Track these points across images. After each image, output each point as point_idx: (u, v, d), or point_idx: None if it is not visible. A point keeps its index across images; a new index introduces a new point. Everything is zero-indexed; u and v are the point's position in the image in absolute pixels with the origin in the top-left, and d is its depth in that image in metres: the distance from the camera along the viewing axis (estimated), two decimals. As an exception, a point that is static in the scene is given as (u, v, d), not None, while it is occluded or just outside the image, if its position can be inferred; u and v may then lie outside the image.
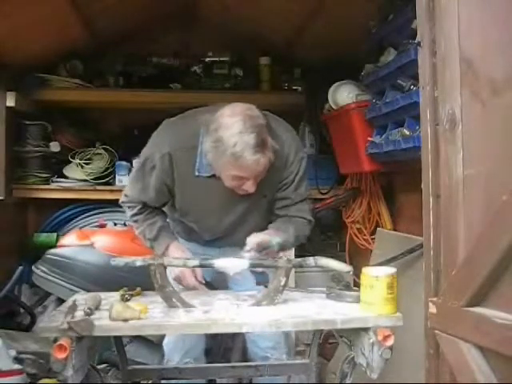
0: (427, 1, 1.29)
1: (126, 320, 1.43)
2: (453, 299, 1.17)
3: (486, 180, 1.13)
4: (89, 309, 1.46)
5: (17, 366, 2.03)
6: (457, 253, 1.21)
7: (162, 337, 2.18)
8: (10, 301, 2.79)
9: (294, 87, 3.61)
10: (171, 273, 1.83)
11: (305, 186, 1.96)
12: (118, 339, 1.93)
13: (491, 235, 1.06)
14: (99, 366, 2.03)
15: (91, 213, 3.57)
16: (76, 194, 3.45)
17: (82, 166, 3.42)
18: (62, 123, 3.54)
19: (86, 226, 3.49)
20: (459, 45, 1.18)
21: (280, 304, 1.61)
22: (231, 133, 1.64)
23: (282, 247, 1.81)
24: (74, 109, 3.61)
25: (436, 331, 1.25)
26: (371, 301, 1.47)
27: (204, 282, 1.89)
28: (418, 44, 1.34)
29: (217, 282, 2.00)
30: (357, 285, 1.64)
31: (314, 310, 1.56)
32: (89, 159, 3.46)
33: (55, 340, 1.37)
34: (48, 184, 3.42)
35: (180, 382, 2.05)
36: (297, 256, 1.97)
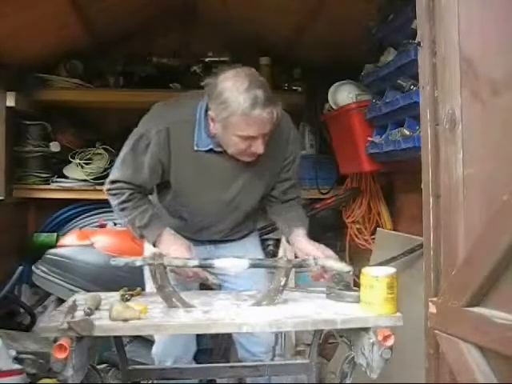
0: (427, 1, 1.29)
1: (126, 320, 1.43)
2: (453, 299, 1.17)
3: (486, 180, 1.13)
4: (89, 309, 1.46)
5: (17, 366, 2.03)
6: (457, 253, 1.21)
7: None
8: (9, 301, 2.79)
9: (294, 87, 3.60)
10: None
11: (300, 165, 2.01)
12: (118, 339, 1.93)
13: (491, 235, 1.06)
14: (99, 366, 2.02)
15: (91, 213, 3.57)
16: (76, 194, 3.45)
17: (82, 166, 3.42)
18: (62, 123, 3.53)
19: (86, 226, 3.49)
20: (459, 45, 1.18)
21: (280, 304, 1.61)
22: (238, 91, 1.64)
23: None
24: (74, 109, 3.60)
25: (436, 331, 1.25)
26: (371, 301, 1.47)
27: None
28: (418, 44, 1.34)
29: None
30: (357, 285, 1.64)
31: (313, 309, 1.56)
32: (89, 159, 3.45)
33: (55, 340, 1.37)
34: (48, 184, 3.42)
35: (180, 382, 2.05)
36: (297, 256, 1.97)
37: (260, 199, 2.00)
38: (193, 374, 2.06)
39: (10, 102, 3.13)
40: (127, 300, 1.65)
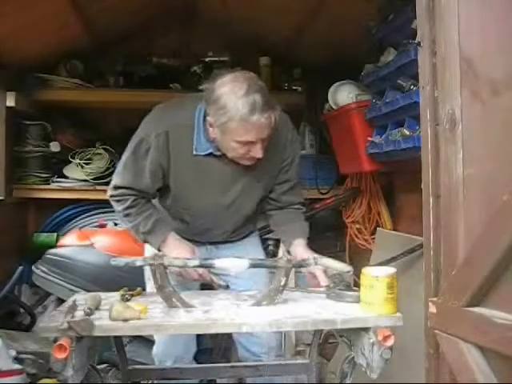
0: (427, 1, 1.29)
1: (126, 320, 1.42)
2: (453, 299, 1.17)
3: (486, 180, 1.13)
4: (89, 309, 1.46)
5: (17, 366, 2.03)
6: (457, 253, 1.21)
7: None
8: (9, 301, 2.79)
9: (294, 87, 3.61)
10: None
11: (299, 165, 2.00)
12: (118, 339, 1.93)
13: (491, 235, 1.06)
14: (99, 366, 2.02)
15: (91, 213, 3.57)
16: (76, 194, 3.45)
17: (82, 166, 3.42)
18: (62, 123, 3.54)
19: (85, 226, 3.50)
20: (459, 45, 1.18)
21: (280, 304, 1.61)
22: (236, 97, 1.63)
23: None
24: (74, 109, 3.60)
25: (436, 331, 1.25)
26: (371, 301, 1.47)
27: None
28: (418, 44, 1.34)
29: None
30: (357, 285, 1.64)
31: (314, 309, 1.56)
32: (89, 159, 3.46)
33: (55, 340, 1.37)
34: (48, 184, 3.42)
35: (180, 382, 2.05)
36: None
37: (260, 201, 2.00)
38: (193, 373, 2.06)
39: (10, 102, 3.14)
40: (127, 300, 1.65)
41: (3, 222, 3.24)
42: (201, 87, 1.75)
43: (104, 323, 1.42)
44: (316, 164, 3.36)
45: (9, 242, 3.31)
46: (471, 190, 1.17)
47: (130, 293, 1.72)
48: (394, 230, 2.98)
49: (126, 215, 1.87)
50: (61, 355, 1.34)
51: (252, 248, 2.13)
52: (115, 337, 1.86)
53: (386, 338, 1.42)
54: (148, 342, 2.65)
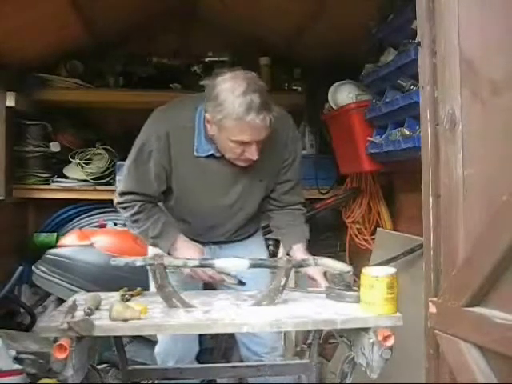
0: (427, 1, 1.29)
1: (125, 320, 1.42)
2: (453, 299, 1.17)
3: (486, 180, 1.13)
4: (89, 309, 1.46)
5: (17, 366, 2.03)
6: (457, 253, 1.21)
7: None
8: (9, 301, 2.79)
9: (294, 87, 3.61)
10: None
11: (300, 165, 1.99)
12: (118, 339, 1.93)
13: (491, 235, 1.06)
14: (99, 366, 2.02)
15: (91, 213, 3.58)
16: (76, 194, 3.45)
17: (82, 166, 3.42)
18: (62, 123, 3.54)
19: (86, 226, 3.50)
20: (459, 45, 1.18)
21: (280, 304, 1.61)
22: (234, 95, 1.62)
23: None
24: (73, 109, 3.60)
25: (436, 331, 1.25)
26: (371, 301, 1.47)
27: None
28: (418, 44, 1.34)
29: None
30: (357, 285, 1.64)
31: (313, 309, 1.56)
32: (89, 159, 3.46)
33: (55, 340, 1.37)
34: (48, 184, 3.42)
35: (180, 381, 2.05)
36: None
37: (261, 201, 2.00)
38: (193, 373, 2.06)
39: (10, 102, 3.14)
40: (127, 300, 1.65)
41: (3, 221, 3.24)
42: (201, 83, 1.75)
43: (104, 323, 1.42)
44: (316, 164, 3.36)
45: (9, 241, 3.31)
46: (471, 190, 1.17)
47: (130, 293, 1.72)
48: (394, 230, 2.98)
49: (135, 221, 1.87)
50: (61, 355, 1.34)
51: (255, 248, 2.12)
52: (115, 337, 1.86)
53: (385, 337, 1.42)
54: (148, 341, 2.66)
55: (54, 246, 3.16)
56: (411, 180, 1.55)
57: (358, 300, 1.54)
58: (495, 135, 1.10)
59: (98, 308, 1.54)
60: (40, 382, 2.14)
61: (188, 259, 1.70)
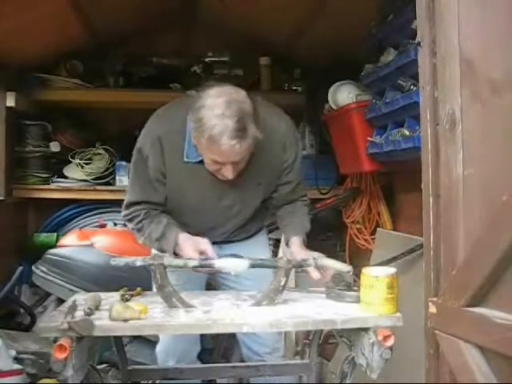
0: (427, 1, 1.29)
1: (126, 320, 1.42)
2: (453, 299, 1.17)
3: (485, 180, 1.12)
4: (89, 309, 1.46)
5: (17, 366, 2.04)
6: (457, 253, 1.21)
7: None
8: (10, 301, 2.79)
9: (294, 87, 3.61)
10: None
11: (301, 164, 1.97)
12: (118, 339, 1.93)
13: (491, 235, 1.06)
14: (99, 366, 2.03)
15: (91, 213, 3.57)
16: (76, 194, 3.45)
17: (82, 166, 3.42)
18: (62, 123, 3.54)
19: (86, 226, 3.49)
20: (459, 45, 1.18)
21: (280, 304, 1.61)
22: (212, 114, 1.59)
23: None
24: (73, 109, 3.61)
25: (436, 331, 1.25)
26: (371, 301, 1.47)
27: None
28: (418, 44, 1.34)
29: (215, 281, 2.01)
30: (357, 285, 1.64)
31: (314, 309, 1.56)
32: (89, 159, 3.46)
33: (55, 340, 1.37)
34: (48, 184, 3.42)
35: (180, 381, 2.05)
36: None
37: (261, 203, 1.99)
38: (193, 373, 2.06)
39: (10, 102, 3.14)
40: (127, 300, 1.65)
41: (3, 221, 3.24)
42: (188, 92, 1.72)
43: (104, 323, 1.42)
44: (316, 164, 3.36)
45: (9, 241, 3.31)
46: (471, 190, 1.17)
47: (130, 293, 1.72)
48: (394, 230, 2.98)
49: (139, 229, 1.85)
50: (61, 355, 1.34)
51: (256, 248, 2.09)
52: (115, 337, 1.86)
53: (385, 338, 1.41)
54: (148, 342, 2.66)
55: (54, 246, 3.16)
56: (411, 180, 1.55)
57: (357, 300, 1.54)
58: (495, 135, 1.10)
59: (97, 308, 1.54)
60: (40, 382, 2.15)
61: (188, 259, 1.70)
